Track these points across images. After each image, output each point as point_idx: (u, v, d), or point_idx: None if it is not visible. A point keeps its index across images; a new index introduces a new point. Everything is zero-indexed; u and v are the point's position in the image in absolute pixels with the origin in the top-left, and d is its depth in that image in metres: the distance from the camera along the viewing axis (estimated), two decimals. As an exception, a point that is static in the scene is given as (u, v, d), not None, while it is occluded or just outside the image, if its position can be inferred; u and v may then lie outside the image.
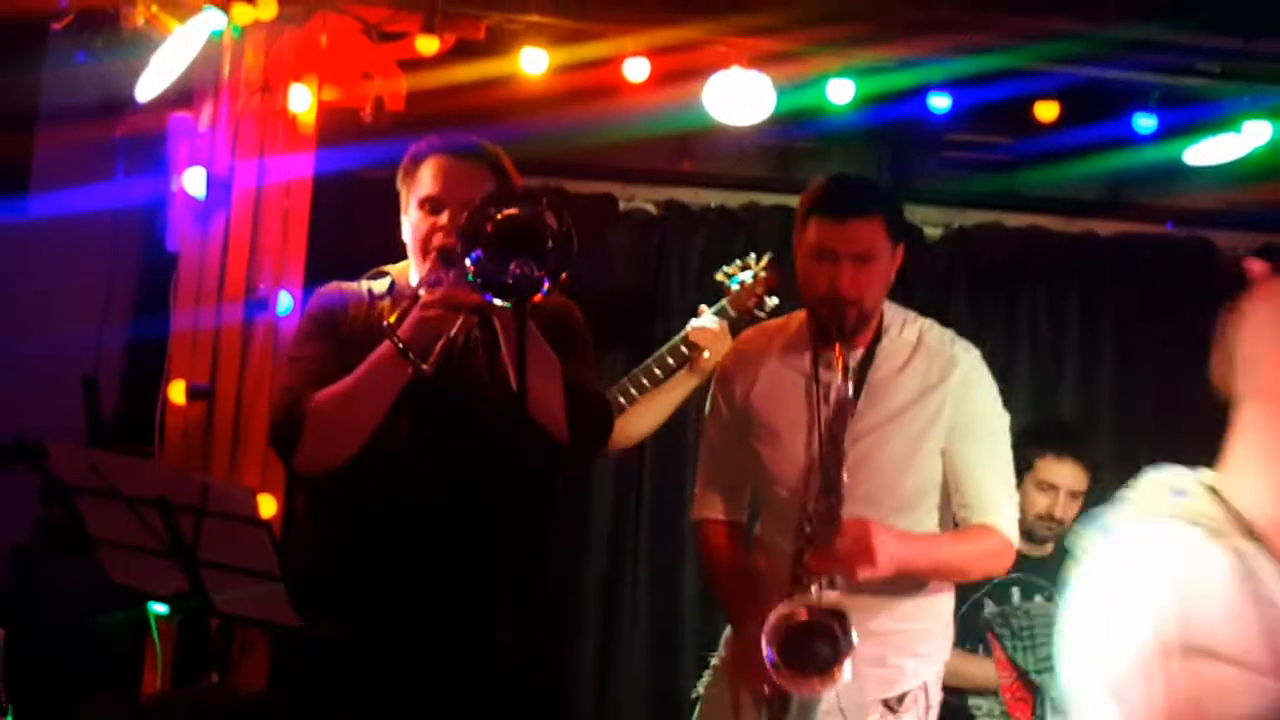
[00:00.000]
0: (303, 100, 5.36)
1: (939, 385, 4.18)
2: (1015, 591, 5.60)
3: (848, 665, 3.82)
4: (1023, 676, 5.31)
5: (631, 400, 5.50)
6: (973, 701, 5.49)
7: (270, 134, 5.35)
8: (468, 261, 3.43)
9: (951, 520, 4.27)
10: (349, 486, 3.83)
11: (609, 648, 6.80)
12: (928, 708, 4.24)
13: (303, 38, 5.43)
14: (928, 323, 4.33)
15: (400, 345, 3.64)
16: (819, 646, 3.85)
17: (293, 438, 3.76)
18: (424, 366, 3.65)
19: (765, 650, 3.86)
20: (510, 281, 3.36)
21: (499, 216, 3.47)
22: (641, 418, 5.55)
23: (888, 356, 4.22)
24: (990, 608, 5.53)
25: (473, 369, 3.86)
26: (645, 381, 5.48)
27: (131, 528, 3.63)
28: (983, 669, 5.43)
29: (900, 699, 4.19)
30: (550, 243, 3.43)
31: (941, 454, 4.19)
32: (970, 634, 5.52)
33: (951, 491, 4.22)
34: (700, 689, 4.46)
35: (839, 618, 3.85)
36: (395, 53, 5.54)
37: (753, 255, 5.60)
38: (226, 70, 5.39)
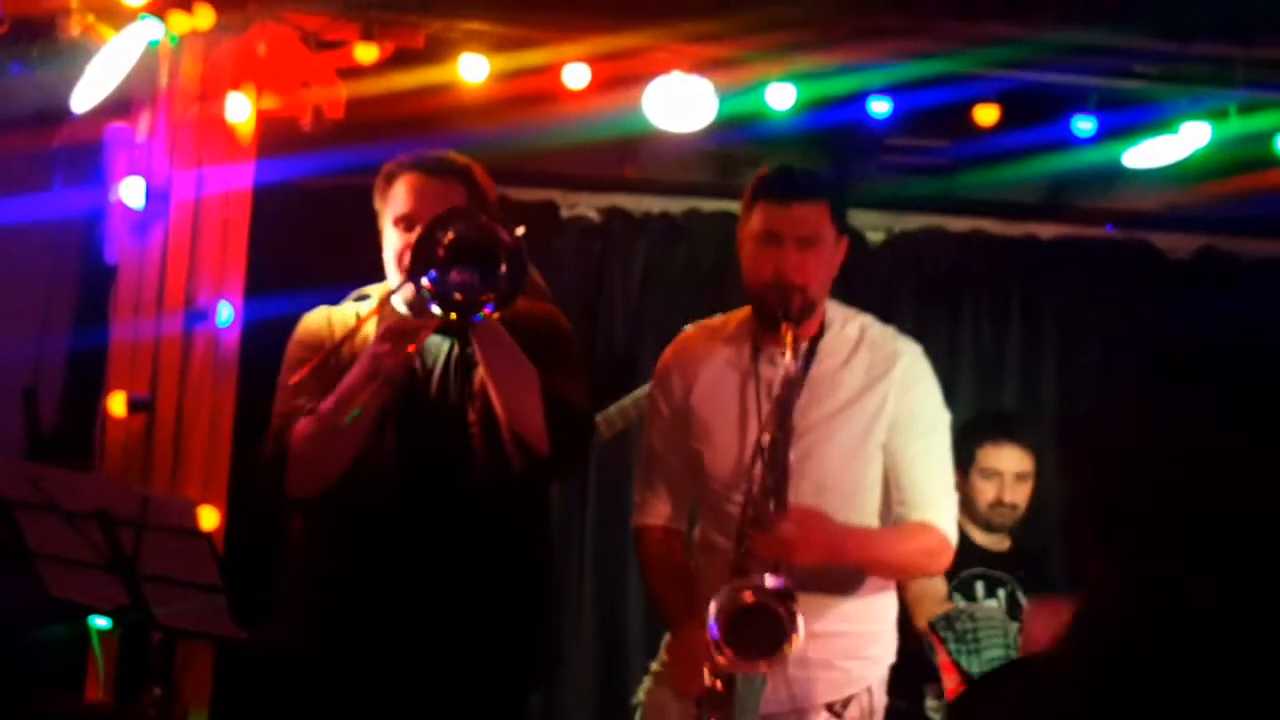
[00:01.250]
0: (241, 109, 5.33)
1: (882, 380, 4.19)
2: (979, 585, 5.63)
3: (795, 644, 3.82)
4: (967, 679, 5.32)
5: (628, 424, 5.55)
6: (929, 703, 5.52)
7: (208, 144, 5.32)
8: (425, 281, 3.44)
9: (892, 520, 4.27)
10: (340, 508, 3.83)
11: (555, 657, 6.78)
12: (871, 711, 4.24)
13: (240, 47, 5.40)
14: (869, 319, 4.34)
15: (307, 409, 3.65)
16: (765, 628, 3.83)
17: (280, 466, 3.78)
18: (340, 422, 3.64)
19: (710, 628, 3.83)
20: (459, 298, 3.38)
21: (447, 236, 3.48)
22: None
23: (831, 351, 4.22)
24: (959, 601, 5.56)
25: (453, 386, 3.86)
26: (621, 423, 5.54)
27: (71, 541, 3.61)
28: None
29: (845, 702, 4.19)
30: (503, 258, 3.45)
31: (883, 449, 4.20)
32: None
33: (891, 488, 4.22)
34: (640, 695, 4.45)
35: (785, 599, 3.83)
36: (334, 61, 5.52)
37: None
38: (164, 80, 5.35)
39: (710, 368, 4.32)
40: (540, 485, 4.11)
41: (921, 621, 5.45)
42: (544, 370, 3.74)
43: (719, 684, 3.95)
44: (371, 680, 3.82)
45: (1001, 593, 5.62)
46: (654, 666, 4.44)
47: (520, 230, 3.59)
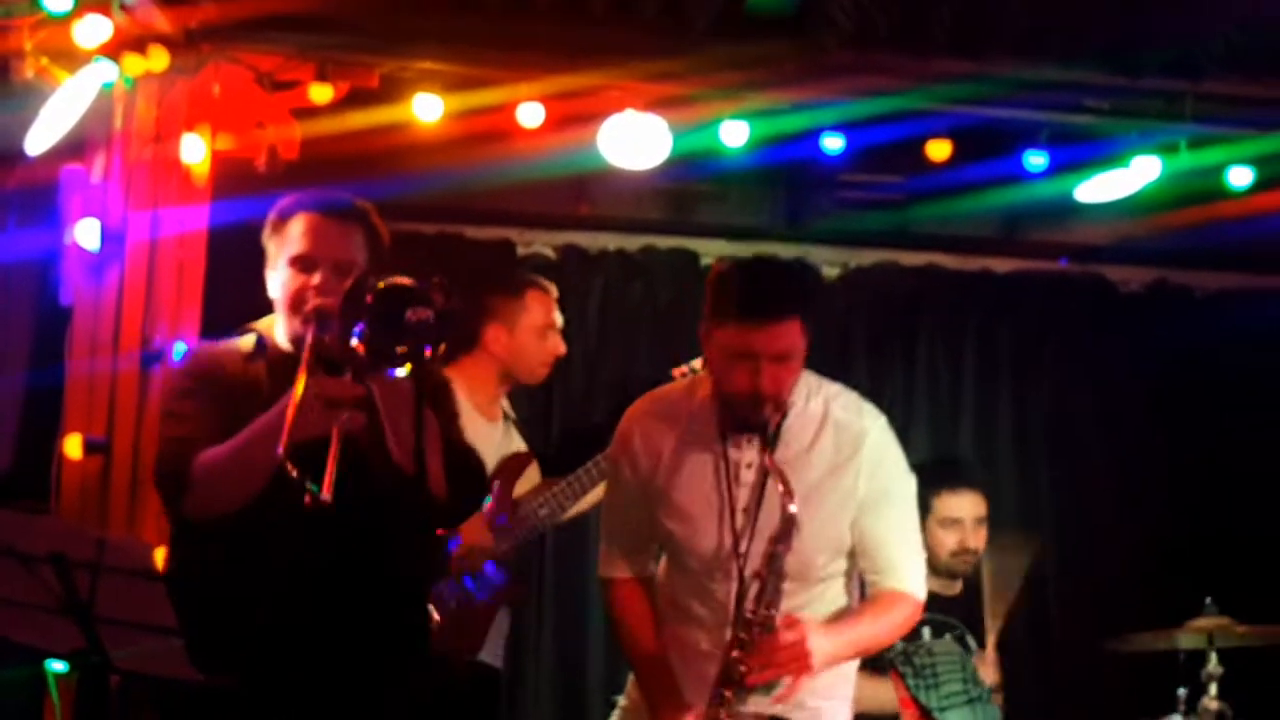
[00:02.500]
0: (196, 150, 5.34)
1: (850, 460, 4.14)
2: (925, 630, 5.62)
3: None
4: (926, 714, 5.32)
5: (577, 496, 5.57)
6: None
7: (164, 185, 5.33)
8: (353, 339, 3.41)
9: (858, 579, 4.30)
10: (239, 539, 3.80)
11: (515, 693, 6.77)
12: None
13: (195, 88, 5.41)
14: (834, 390, 4.26)
15: (294, 475, 3.60)
16: None
17: (180, 489, 3.74)
18: (323, 495, 3.59)
19: None
20: (403, 350, 3.35)
21: (385, 283, 3.45)
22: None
23: (796, 434, 4.16)
24: (897, 646, 5.53)
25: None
26: (586, 482, 5.56)
27: (26, 584, 3.58)
28: (883, 689, 5.43)
29: None
30: (432, 312, 3.41)
31: (850, 527, 4.17)
32: (877, 660, 5.54)
33: (859, 556, 4.21)
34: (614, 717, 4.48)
35: None
36: (289, 101, 5.54)
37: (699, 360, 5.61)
38: (119, 121, 5.35)
39: (677, 443, 4.25)
40: (430, 533, 4.11)
41: None
42: (438, 419, 3.72)
43: None
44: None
45: (948, 636, 5.60)
46: (621, 702, 4.45)
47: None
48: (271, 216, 3.97)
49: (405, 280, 3.44)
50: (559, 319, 5.78)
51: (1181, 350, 7.06)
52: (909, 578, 4.19)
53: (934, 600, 5.55)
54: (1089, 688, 6.05)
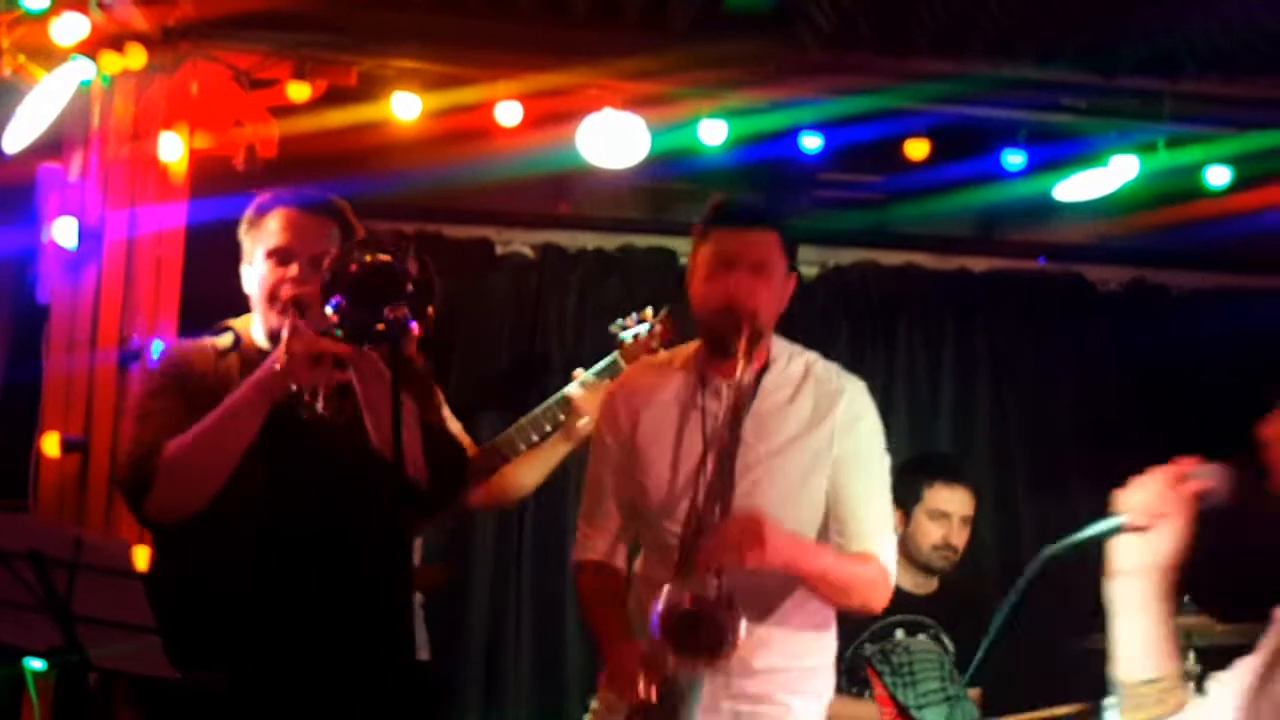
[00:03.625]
0: (173, 149, 5.33)
1: (826, 418, 4.15)
2: (899, 632, 5.61)
3: (735, 650, 3.80)
4: (903, 712, 5.32)
5: (511, 457, 5.48)
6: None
7: (141, 183, 5.32)
8: (328, 309, 3.42)
9: None
10: (207, 536, 3.80)
11: (494, 695, 6.77)
12: None
13: (173, 86, 5.40)
14: (814, 356, 4.31)
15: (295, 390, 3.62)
16: (706, 633, 3.80)
17: (144, 487, 3.74)
18: (318, 407, 3.63)
19: (652, 624, 3.81)
20: (381, 328, 3.36)
21: (365, 260, 3.46)
22: (520, 475, 5.53)
23: (776, 387, 4.19)
24: (869, 646, 5.53)
25: (325, 415, 3.83)
26: (521, 444, 5.46)
27: (4, 582, 3.58)
28: (867, 711, 5.43)
29: None
30: (411, 288, 3.43)
31: (825, 484, 4.15)
32: (854, 677, 5.53)
33: (831, 522, 4.17)
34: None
35: (727, 607, 3.79)
36: (267, 100, 5.53)
37: (650, 308, 5.58)
38: (96, 120, 5.35)
39: (655, 401, 4.29)
40: (410, 524, 4.11)
41: None
42: (415, 404, 3.73)
43: (654, 696, 3.90)
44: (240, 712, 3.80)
45: (922, 636, 5.60)
46: (593, 705, 4.43)
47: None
48: (248, 213, 4.02)
49: (386, 258, 3.47)
50: None
51: (1159, 349, 7.07)
52: (878, 545, 4.15)
53: (909, 599, 5.57)
54: (1066, 687, 6.04)
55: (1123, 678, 2.72)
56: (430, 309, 3.46)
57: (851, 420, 4.17)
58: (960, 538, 5.73)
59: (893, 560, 4.19)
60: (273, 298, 3.88)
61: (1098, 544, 2.88)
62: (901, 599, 5.63)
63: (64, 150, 5.37)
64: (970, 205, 6.76)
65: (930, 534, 5.67)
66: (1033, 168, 6.16)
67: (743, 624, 3.79)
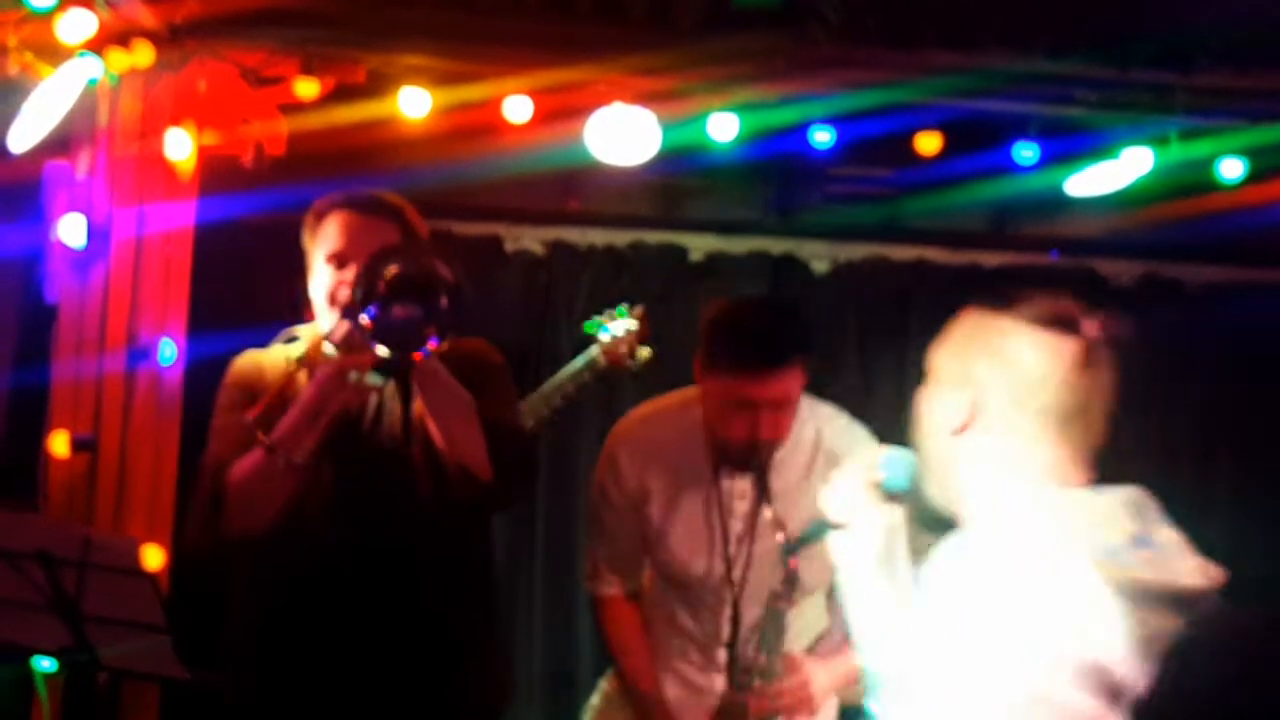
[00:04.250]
0: (181, 147, 5.31)
1: None
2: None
3: None
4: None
5: (535, 423, 5.52)
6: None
7: (149, 181, 5.30)
8: (364, 318, 3.43)
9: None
10: (279, 549, 3.78)
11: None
12: None
13: (180, 84, 5.38)
14: (824, 414, 4.26)
15: (266, 443, 3.61)
16: None
17: (216, 510, 3.73)
18: (294, 458, 3.61)
19: None
20: (401, 333, 3.38)
21: (388, 272, 3.47)
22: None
23: (789, 464, 4.16)
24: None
25: (389, 420, 3.83)
26: (544, 410, 5.50)
27: (13, 582, 3.57)
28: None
29: None
30: (444, 293, 3.43)
31: None
32: None
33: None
34: (595, 699, 4.53)
35: None
36: (275, 97, 5.51)
37: (624, 304, 5.57)
38: (104, 117, 5.32)
39: (668, 476, 4.26)
40: (484, 518, 4.08)
41: None
42: (480, 399, 3.71)
43: None
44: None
45: None
46: (602, 686, 4.52)
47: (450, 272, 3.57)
48: (308, 218, 3.98)
49: (416, 269, 3.47)
50: None
51: (1172, 343, 7.04)
52: None
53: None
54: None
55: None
56: (464, 309, 3.47)
57: None
58: None
59: None
60: (333, 301, 3.86)
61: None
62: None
63: (71, 148, 5.35)
64: (982, 199, 6.74)
65: None
66: (1044, 161, 6.12)
67: None
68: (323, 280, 3.90)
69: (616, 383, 5.92)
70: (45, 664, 4.58)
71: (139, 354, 5.18)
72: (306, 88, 5.40)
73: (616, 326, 5.53)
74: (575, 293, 6.94)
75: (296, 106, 5.50)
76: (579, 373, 5.53)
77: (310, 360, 3.91)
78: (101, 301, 5.22)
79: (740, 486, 4.12)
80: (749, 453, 3.99)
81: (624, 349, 5.41)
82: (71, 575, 3.54)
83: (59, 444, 5.12)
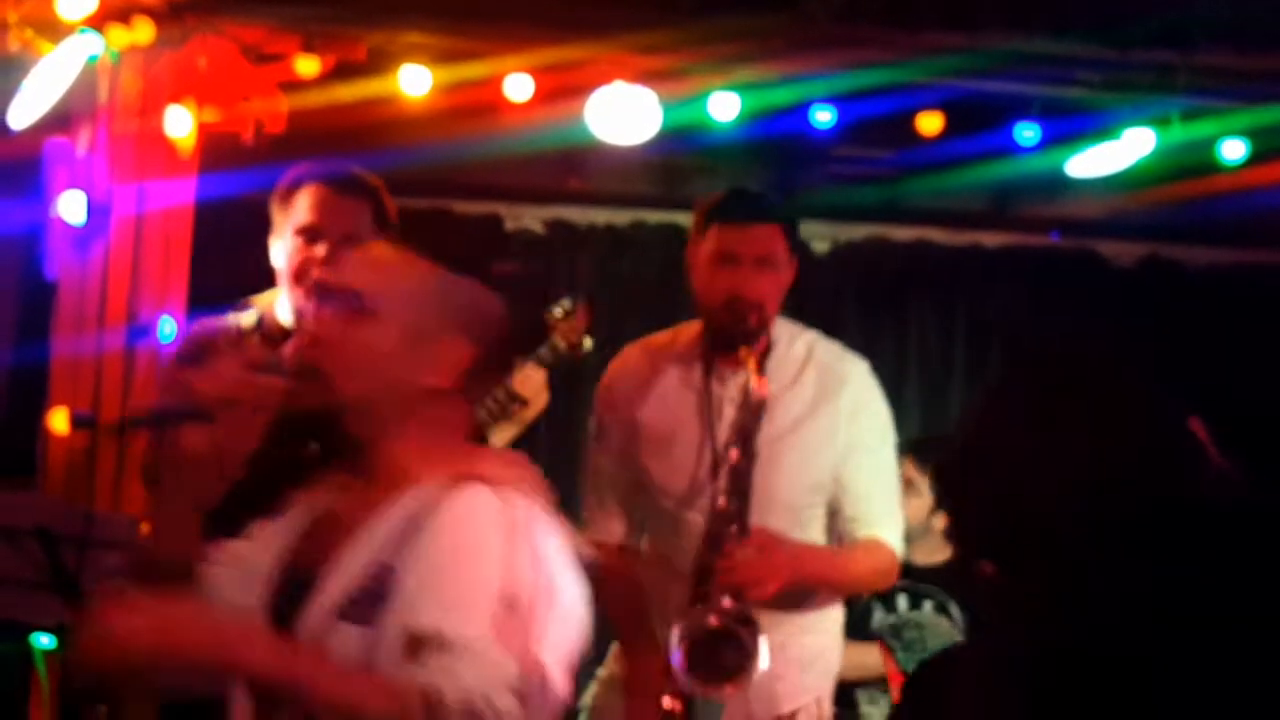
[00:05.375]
0: (181, 124, 5.30)
1: (831, 402, 4.17)
2: (902, 599, 5.61)
3: (758, 669, 3.83)
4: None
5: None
6: (864, 710, 5.51)
7: (149, 158, 5.29)
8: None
9: (837, 536, 4.28)
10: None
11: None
12: None
13: (181, 61, 5.37)
14: (815, 336, 4.32)
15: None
16: (727, 653, 3.85)
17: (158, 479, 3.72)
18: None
19: (674, 654, 3.85)
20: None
21: None
22: None
23: (778, 371, 4.19)
24: (879, 618, 5.54)
25: None
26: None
27: (12, 559, 3.57)
28: (868, 654, 5.44)
29: (793, 715, 4.18)
30: None
31: (830, 470, 4.18)
32: (857, 638, 5.55)
33: (837, 507, 4.22)
34: (587, 699, 4.45)
35: (748, 624, 3.85)
36: (275, 74, 5.50)
37: (566, 299, 5.56)
38: (104, 94, 5.32)
39: (659, 385, 4.29)
40: None
41: None
42: None
43: (677, 706, 3.97)
44: None
45: (928, 607, 5.59)
46: (600, 673, 4.43)
47: None
48: (280, 186, 3.95)
49: None
50: None
51: (1172, 325, 7.03)
52: (886, 528, 4.20)
53: (912, 569, 5.58)
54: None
55: None
56: None
57: (857, 406, 4.21)
58: (908, 504, 5.73)
59: (900, 541, 4.24)
60: (300, 277, 3.83)
61: None
62: (909, 568, 5.64)
63: (72, 125, 5.34)
64: (983, 180, 6.73)
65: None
66: (1046, 142, 6.13)
67: (764, 641, 3.84)
68: (290, 252, 3.88)
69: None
70: (44, 641, 4.58)
71: (139, 331, 5.18)
72: (307, 65, 5.41)
73: (559, 314, 5.50)
74: (576, 272, 6.93)
75: (297, 84, 5.49)
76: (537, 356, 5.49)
77: (266, 329, 3.92)
78: (101, 278, 5.22)
79: (730, 391, 4.14)
80: (735, 316, 4.06)
81: (576, 337, 5.39)
82: (72, 552, 3.54)
83: (59, 421, 5.12)
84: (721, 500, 4.01)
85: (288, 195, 3.93)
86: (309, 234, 3.85)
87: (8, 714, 5.01)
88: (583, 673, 4.57)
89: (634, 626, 4.22)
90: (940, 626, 5.43)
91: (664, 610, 4.09)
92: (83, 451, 5.15)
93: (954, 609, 5.61)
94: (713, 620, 3.87)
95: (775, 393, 4.12)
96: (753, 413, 4.03)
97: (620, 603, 4.27)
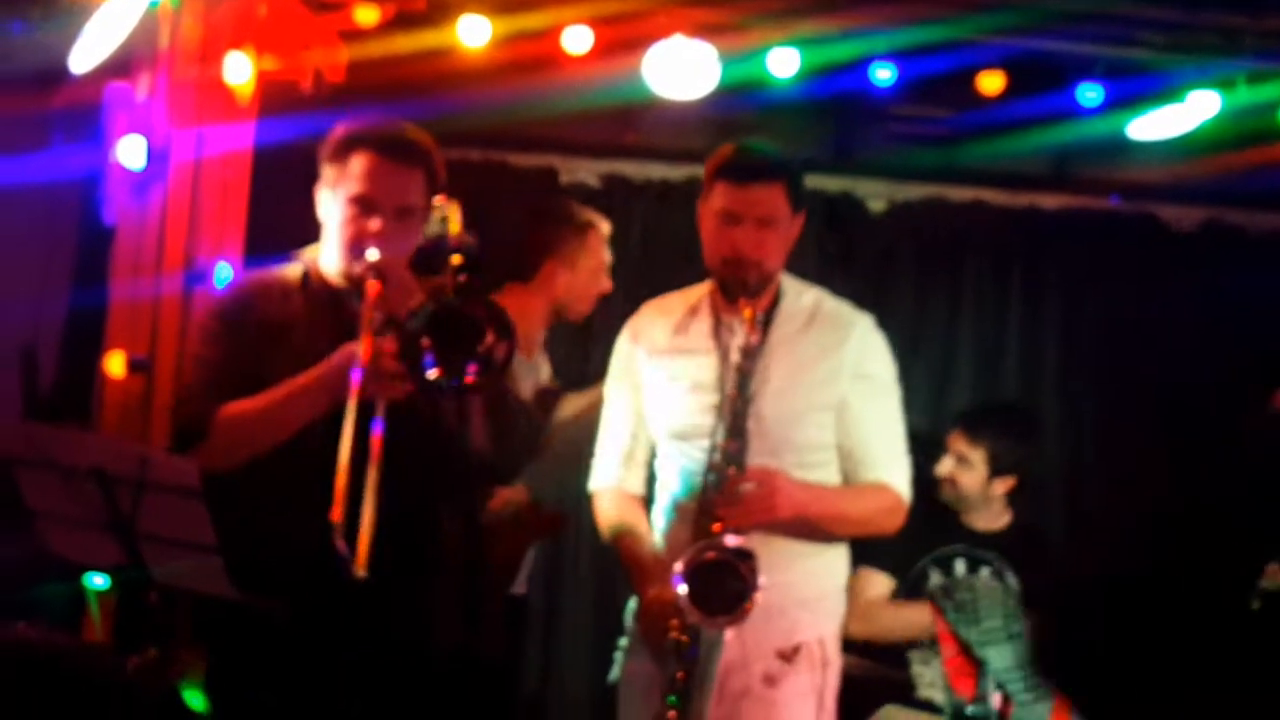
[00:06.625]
0: (240, 71, 5.30)
1: (836, 350, 4.31)
2: (960, 563, 5.61)
3: (756, 603, 3.97)
4: (966, 650, 5.32)
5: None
6: (915, 670, 5.50)
7: (208, 104, 5.29)
8: (430, 372, 3.47)
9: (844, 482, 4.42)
10: (265, 486, 3.78)
11: (552, 624, 6.80)
12: (825, 664, 4.33)
13: (241, 8, 5.38)
14: (822, 292, 4.48)
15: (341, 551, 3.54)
16: (728, 585, 3.98)
17: (191, 440, 3.74)
18: (357, 570, 3.53)
19: (676, 584, 3.99)
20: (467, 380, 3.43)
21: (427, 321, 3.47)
22: None
23: (786, 319, 4.35)
24: (935, 578, 5.54)
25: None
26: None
27: (68, 499, 3.58)
28: (919, 613, 5.45)
29: (795, 650, 4.28)
30: (490, 337, 3.49)
31: (836, 415, 4.32)
32: (914, 591, 5.57)
33: (845, 454, 4.36)
34: (616, 672, 4.53)
35: (746, 558, 3.98)
36: (335, 23, 5.51)
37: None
38: (164, 40, 5.31)
39: (671, 336, 4.46)
40: (474, 488, 4.11)
41: (852, 625, 5.47)
42: None
43: (684, 637, 4.11)
44: (330, 643, 3.78)
45: (985, 572, 5.59)
46: (622, 643, 4.51)
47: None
48: (332, 140, 3.89)
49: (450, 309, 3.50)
50: (609, 257, 5.74)
51: (1233, 291, 6.97)
52: (891, 471, 4.35)
53: (972, 534, 5.58)
54: (1126, 628, 6.01)
55: None
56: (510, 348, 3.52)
57: (862, 354, 4.35)
58: (962, 477, 5.71)
59: (907, 485, 4.38)
60: (353, 247, 3.80)
61: None
62: (968, 533, 5.63)
63: (132, 70, 5.35)
64: (1043, 142, 6.69)
65: (936, 466, 5.71)
66: (1108, 104, 6.08)
67: (762, 577, 3.97)
68: (343, 217, 3.83)
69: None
70: (98, 581, 4.61)
71: (195, 276, 5.19)
72: (367, 14, 5.41)
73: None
74: (631, 226, 6.91)
75: (356, 33, 5.49)
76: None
77: (311, 284, 3.92)
78: (159, 223, 5.23)
79: (738, 340, 4.25)
80: (739, 270, 4.23)
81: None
82: (127, 494, 3.55)
83: (115, 364, 5.14)
84: (721, 441, 4.17)
85: (339, 155, 3.87)
86: (363, 204, 3.81)
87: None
88: (609, 648, 4.64)
89: (641, 565, 4.38)
90: (994, 592, 5.43)
91: (674, 551, 4.20)
92: (138, 395, 5.17)
93: (1010, 576, 5.60)
94: (710, 555, 4.00)
95: (782, 339, 4.31)
96: (747, 360, 4.18)
97: (624, 544, 4.47)
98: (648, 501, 4.55)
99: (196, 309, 5.15)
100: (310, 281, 3.93)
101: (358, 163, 3.83)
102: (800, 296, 4.42)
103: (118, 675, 3.80)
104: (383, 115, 3.95)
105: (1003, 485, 5.71)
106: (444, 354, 3.49)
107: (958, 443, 5.72)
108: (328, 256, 3.91)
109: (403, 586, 3.81)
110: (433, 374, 3.48)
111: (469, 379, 3.48)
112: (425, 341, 3.48)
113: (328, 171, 3.90)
